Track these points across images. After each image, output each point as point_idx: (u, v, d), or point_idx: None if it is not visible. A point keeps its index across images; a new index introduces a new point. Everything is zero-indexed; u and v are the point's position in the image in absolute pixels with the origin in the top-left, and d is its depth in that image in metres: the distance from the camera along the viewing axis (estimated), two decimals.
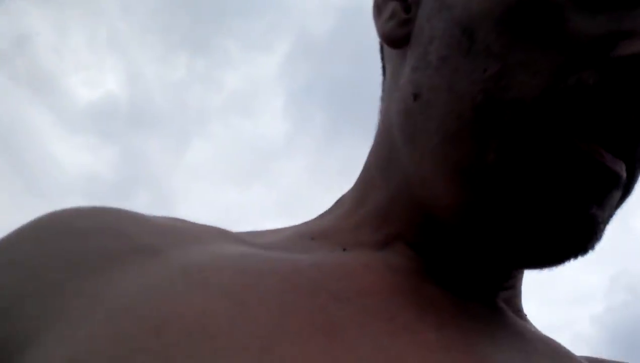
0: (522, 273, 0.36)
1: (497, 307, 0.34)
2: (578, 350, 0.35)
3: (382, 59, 0.39)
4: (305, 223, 0.38)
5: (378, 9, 0.36)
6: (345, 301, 0.27)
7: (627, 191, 0.30)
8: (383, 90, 0.39)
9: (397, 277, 0.31)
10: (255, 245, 0.33)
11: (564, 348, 0.34)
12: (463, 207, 0.29)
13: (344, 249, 0.33)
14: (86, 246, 0.29)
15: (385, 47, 0.38)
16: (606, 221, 0.29)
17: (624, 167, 0.27)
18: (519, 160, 0.27)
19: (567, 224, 0.27)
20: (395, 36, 0.34)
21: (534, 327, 0.36)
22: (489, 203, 0.28)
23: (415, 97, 0.31)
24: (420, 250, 0.33)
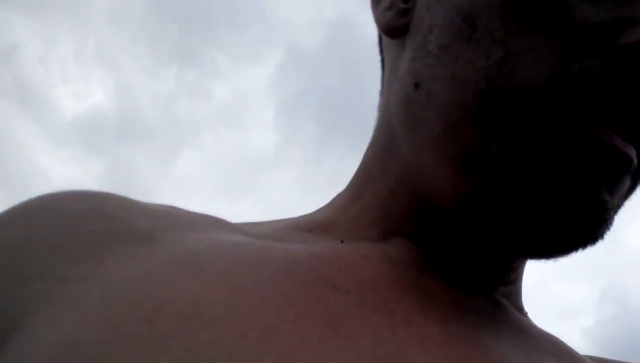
0: (522, 268, 0.35)
1: (498, 301, 0.33)
2: None
3: (381, 52, 0.38)
4: (303, 215, 0.38)
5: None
6: (345, 292, 0.27)
7: (635, 182, 0.29)
8: (382, 84, 0.38)
9: (396, 269, 0.30)
10: (251, 234, 0.32)
11: (566, 344, 0.33)
12: (466, 196, 0.29)
13: (342, 241, 0.33)
14: (77, 229, 0.28)
15: (384, 39, 0.37)
16: (616, 209, 0.28)
17: (634, 152, 0.27)
18: (525, 146, 0.26)
19: (576, 209, 0.26)
20: (394, 26, 0.34)
21: (534, 322, 0.35)
22: (494, 192, 0.27)
23: (416, 86, 0.31)
24: (420, 243, 0.32)
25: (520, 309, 0.35)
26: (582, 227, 0.27)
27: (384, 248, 0.32)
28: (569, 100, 0.26)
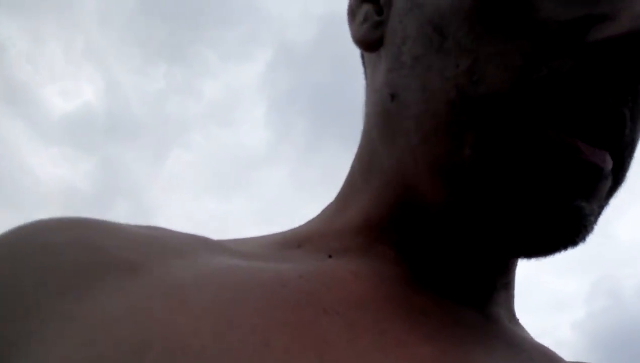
0: (514, 273, 0.35)
1: (490, 313, 0.33)
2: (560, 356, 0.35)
3: (363, 64, 0.39)
4: (292, 229, 0.38)
5: (352, 14, 0.36)
6: (335, 314, 0.26)
7: (618, 179, 0.29)
8: (366, 95, 0.38)
9: (386, 285, 0.30)
10: (240, 254, 0.32)
11: (558, 356, 0.33)
12: (446, 203, 0.29)
13: (330, 256, 0.33)
14: (60, 262, 0.27)
15: (365, 52, 0.37)
16: (596, 212, 0.28)
17: (606, 157, 0.26)
18: (495, 154, 0.26)
19: (550, 217, 0.26)
20: (369, 39, 0.34)
21: (527, 332, 0.36)
22: (470, 199, 0.28)
23: (392, 97, 0.31)
24: (407, 253, 0.32)
25: (512, 316, 0.35)
26: (559, 233, 0.27)
27: (373, 263, 0.32)
28: (535, 106, 0.26)
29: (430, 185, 0.29)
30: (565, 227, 0.27)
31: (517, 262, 0.35)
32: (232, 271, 0.28)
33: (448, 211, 0.29)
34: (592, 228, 0.28)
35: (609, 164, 0.27)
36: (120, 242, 0.29)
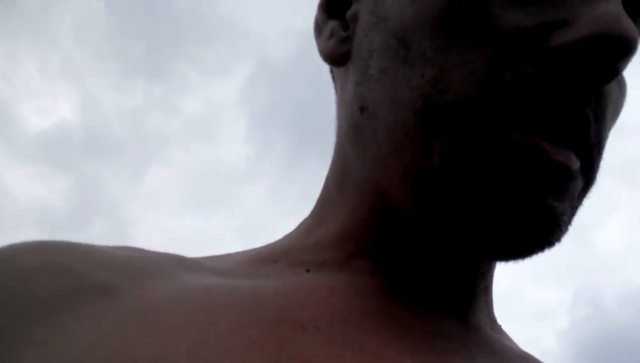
0: (492, 277, 0.35)
1: (471, 321, 0.33)
2: None
3: (333, 78, 0.39)
4: (269, 245, 0.38)
5: (318, 29, 0.37)
6: (313, 330, 0.26)
7: (589, 179, 0.29)
8: (336, 109, 0.39)
9: (364, 299, 0.30)
10: (217, 272, 0.32)
11: (540, 362, 0.33)
12: (419, 212, 0.29)
13: (307, 270, 0.33)
14: (33, 287, 0.27)
15: (334, 68, 0.38)
16: (570, 212, 0.28)
17: (571, 157, 0.27)
18: (463, 160, 0.27)
19: (523, 218, 0.26)
20: (336, 54, 0.35)
21: (509, 339, 0.36)
22: (442, 206, 0.28)
23: (362, 110, 0.31)
24: (384, 264, 0.32)
25: (493, 322, 0.35)
26: (534, 234, 0.27)
27: (350, 277, 0.32)
28: (500, 110, 0.26)
29: (403, 195, 0.30)
30: (539, 227, 0.27)
31: (494, 265, 0.35)
32: (207, 291, 0.28)
33: (422, 219, 0.29)
34: (566, 228, 0.28)
35: (575, 163, 0.27)
36: (95, 265, 0.29)
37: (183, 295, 0.27)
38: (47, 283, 0.27)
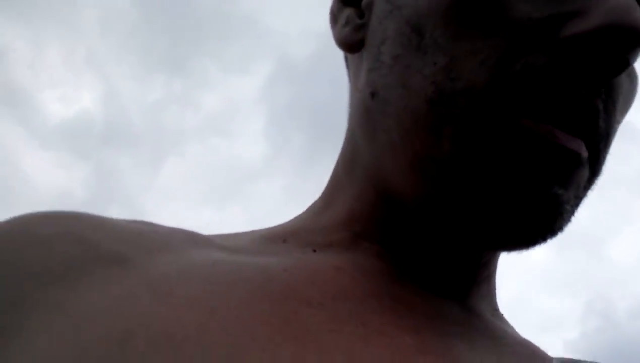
0: (495, 266, 0.36)
1: (472, 307, 0.34)
2: None
3: (347, 66, 0.40)
4: (278, 225, 0.38)
5: (334, 18, 0.37)
6: (318, 306, 0.27)
7: (595, 171, 0.30)
8: (349, 95, 0.39)
9: (369, 279, 0.31)
10: (226, 248, 0.32)
11: (541, 350, 0.33)
12: (426, 197, 0.29)
13: (314, 250, 0.33)
14: (48, 254, 0.27)
15: (348, 55, 0.38)
16: (574, 202, 0.28)
17: (581, 145, 0.27)
18: (474, 146, 0.27)
19: (529, 205, 0.27)
20: (351, 41, 0.35)
21: (510, 327, 0.36)
22: (450, 192, 0.28)
23: (373, 96, 0.32)
24: (390, 247, 0.33)
25: (495, 310, 0.36)
26: (538, 222, 0.27)
27: (356, 258, 0.32)
28: (511, 98, 0.26)
29: (411, 180, 0.30)
30: (542, 215, 0.27)
31: (498, 255, 0.35)
32: (217, 265, 0.29)
33: (428, 205, 0.30)
34: (569, 217, 0.28)
35: (584, 152, 0.27)
36: (108, 236, 0.29)
37: (193, 268, 0.28)
38: (61, 250, 0.28)
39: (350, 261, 0.32)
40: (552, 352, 0.34)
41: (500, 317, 0.36)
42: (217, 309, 0.25)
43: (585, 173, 0.28)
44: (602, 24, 0.25)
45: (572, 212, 0.29)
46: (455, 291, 0.33)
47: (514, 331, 0.35)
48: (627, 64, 0.27)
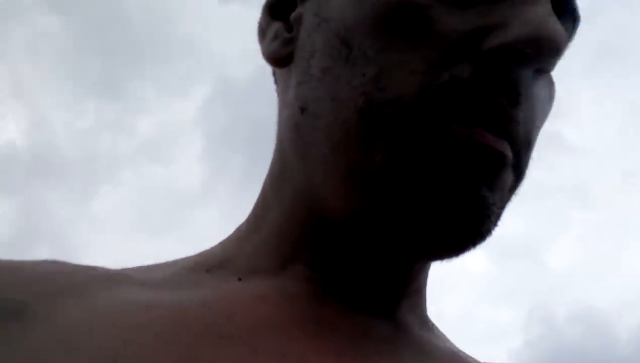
0: (425, 277, 0.36)
1: (402, 321, 0.33)
2: None
3: (275, 81, 0.39)
4: (204, 252, 0.37)
5: (262, 32, 0.37)
6: (236, 339, 0.26)
7: (519, 176, 0.31)
8: (278, 111, 0.39)
9: (295, 305, 0.30)
10: (145, 284, 0.31)
11: (470, 359, 0.34)
12: (358, 209, 0.29)
13: (240, 279, 0.33)
14: None
15: (276, 70, 0.38)
16: (499, 205, 0.29)
17: (507, 146, 0.28)
18: (405, 155, 0.27)
19: (458, 208, 0.27)
20: (279, 55, 0.35)
21: (442, 338, 0.36)
22: (382, 202, 0.28)
23: (302, 110, 0.32)
24: (319, 268, 0.33)
25: (426, 325, 0.36)
26: (466, 225, 0.28)
27: (283, 283, 0.32)
28: (440, 107, 0.27)
29: (343, 193, 0.30)
30: (470, 217, 0.28)
31: (427, 266, 0.35)
32: (126, 307, 0.28)
33: (361, 218, 0.30)
34: (496, 220, 0.29)
35: (509, 152, 0.28)
36: (8, 282, 0.28)
37: (101, 314, 0.27)
38: None
39: (276, 288, 0.32)
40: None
41: (430, 328, 0.36)
42: (125, 358, 0.24)
43: (509, 175, 0.29)
44: (520, 35, 0.27)
45: (499, 216, 0.30)
46: (385, 306, 0.33)
47: (446, 341, 0.36)
48: (545, 72, 0.28)
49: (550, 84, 0.33)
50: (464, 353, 0.35)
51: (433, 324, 0.37)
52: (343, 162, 0.29)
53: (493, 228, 0.29)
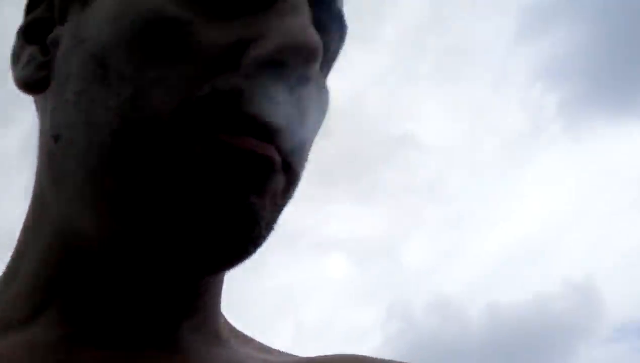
0: (213, 293, 0.34)
1: (179, 346, 0.32)
2: None
3: (37, 110, 0.36)
4: None
5: (16, 57, 0.34)
6: None
7: (292, 178, 0.31)
8: (37, 145, 0.36)
9: (36, 359, 0.29)
10: None
11: (286, 356, 0.33)
12: (118, 238, 0.28)
13: None
14: None
15: (36, 97, 0.35)
16: (271, 209, 0.29)
17: (273, 150, 0.28)
18: (167, 173, 0.27)
19: (227, 219, 0.27)
20: (32, 80, 0.32)
21: (241, 344, 0.35)
22: (144, 225, 0.27)
23: (56, 139, 0.30)
24: (76, 311, 0.31)
25: (216, 337, 0.34)
26: (236, 234, 0.28)
27: (34, 336, 0.30)
28: (203, 118, 0.27)
29: (100, 223, 0.29)
30: (239, 226, 0.27)
31: (211, 282, 0.34)
32: None
33: (121, 246, 0.28)
34: (269, 225, 0.29)
35: (277, 156, 0.28)
36: None
37: None
38: None
39: (22, 343, 0.30)
40: None
41: (223, 343, 0.34)
42: None
43: (280, 178, 0.29)
44: (278, 45, 0.27)
45: (272, 220, 0.30)
46: (160, 334, 0.31)
47: (247, 347, 0.35)
48: (307, 78, 0.29)
49: (322, 89, 0.33)
50: (278, 354, 0.34)
51: (233, 336, 0.35)
52: (98, 189, 0.28)
53: (266, 233, 0.29)
